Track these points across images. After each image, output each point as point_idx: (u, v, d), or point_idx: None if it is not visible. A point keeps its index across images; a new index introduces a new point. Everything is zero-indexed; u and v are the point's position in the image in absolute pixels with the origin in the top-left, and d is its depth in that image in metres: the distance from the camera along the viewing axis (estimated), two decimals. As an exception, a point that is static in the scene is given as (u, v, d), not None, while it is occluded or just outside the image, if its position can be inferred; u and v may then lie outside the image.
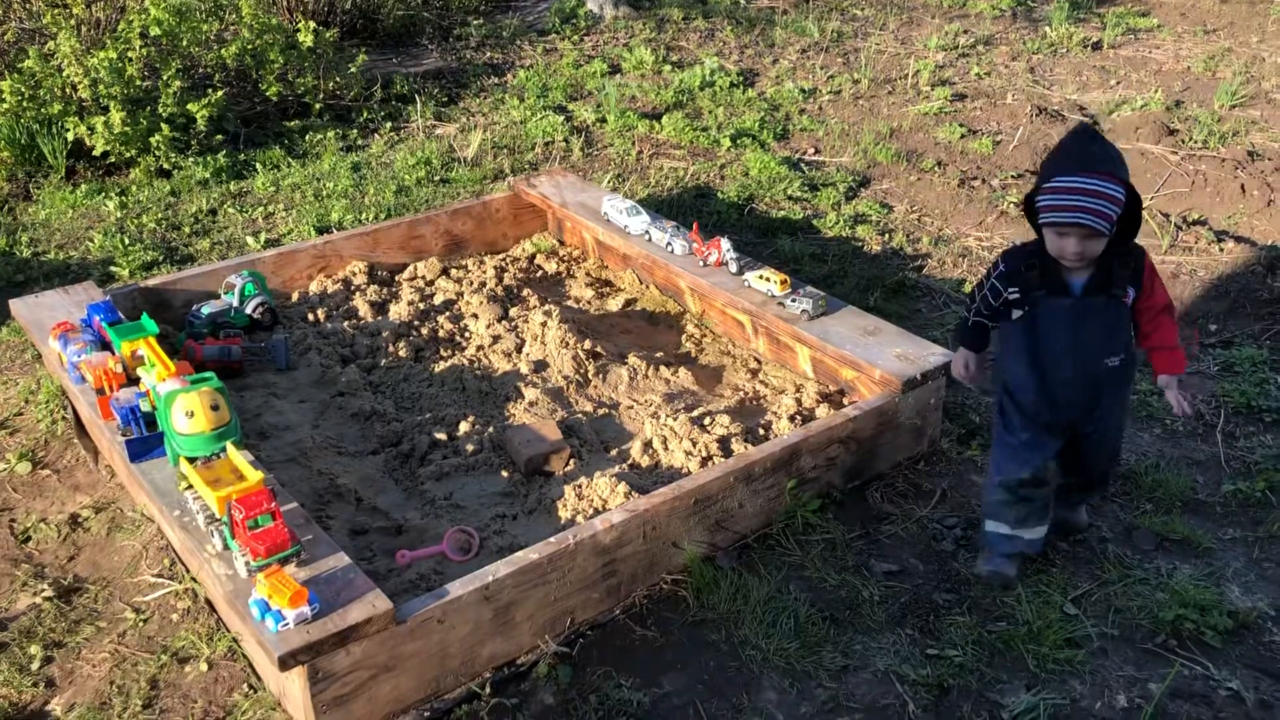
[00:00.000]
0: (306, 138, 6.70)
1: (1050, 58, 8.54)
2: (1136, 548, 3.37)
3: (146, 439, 3.14)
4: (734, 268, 4.20)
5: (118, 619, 3.08)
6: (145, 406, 3.20)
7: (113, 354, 3.48)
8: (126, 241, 5.25)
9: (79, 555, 3.35)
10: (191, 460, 2.98)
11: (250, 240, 5.31)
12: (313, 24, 7.01)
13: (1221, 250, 5.31)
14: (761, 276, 4.08)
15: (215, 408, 3.01)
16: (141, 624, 3.06)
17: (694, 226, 4.42)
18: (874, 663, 2.93)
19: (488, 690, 2.82)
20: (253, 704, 2.79)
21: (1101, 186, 2.70)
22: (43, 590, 3.17)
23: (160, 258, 5.13)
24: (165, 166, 6.16)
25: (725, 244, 4.24)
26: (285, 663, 2.47)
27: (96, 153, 6.02)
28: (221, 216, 5.65)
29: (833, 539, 3.37)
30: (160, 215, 5.59)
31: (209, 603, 3.10)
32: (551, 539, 2.92)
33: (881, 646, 2.98)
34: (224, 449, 2.98)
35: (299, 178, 6.05)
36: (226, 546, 2.77)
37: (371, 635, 2.60)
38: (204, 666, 2.91)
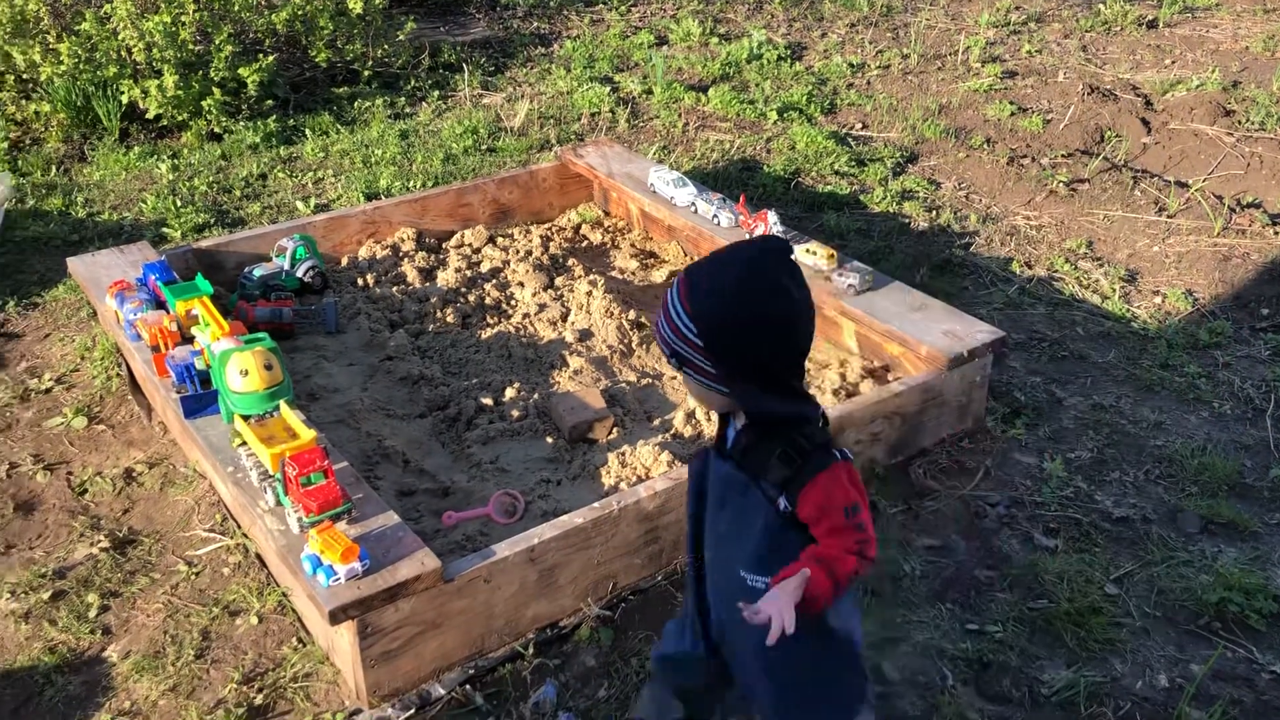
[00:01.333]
0: (355, 105, 6.73)
1: (1104, 35, 8.42)
2: (1181, 530, 3.36)
3: (201, 396, 3.20)
4: (781, 241, 4.19)
5: (171, 571, 3.15)
6: (200, 365, 3.26)
7: (168, 313, 3.54)
8: (178, 203, 5.32)
9: (133, 509, 3.42)
10: (245, 418, 3.03)
11: (300, 205, 5.37)
12: (363, -10, 7.03)
13: (1277, 234, 5.23)
14: (808, 250, 4.07)
15: (269, 367, 3.07)
16: (194, 577, 3.13)
17: (740, 199, 4.42)
18: (914, 636, 2.94)
19: (531, 650, 2.87)
20: (302, 657, 2.86)
21: (672, 302, 1.93)
22: (99, 541, 3.25)
23: (211, 220, 5.20)
24: (216, 130, 6.22)
25: (772, 217, 4.24)
26: (335, 617, 2.53)
27: (150, 115, 6.09)
28: (271, 181, 5.70)
29: (875, 513, 3.37)
30: (211, 178, 5.66)
31: (259, 558, 3.16)
32: (596, 504, 2.95)
33: (922, 620, 3.00)
34: (277, 408, 3.04)
35: (348, 144, 6.09)
36: (279, 503, 2.82)
37: (419, 592, 2.65)
38: (254, 620, 2.97)
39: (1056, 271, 4.94)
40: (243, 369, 3.04)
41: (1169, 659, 2.87)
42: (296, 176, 5.74)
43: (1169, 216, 5.45)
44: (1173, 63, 7.87)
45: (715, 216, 4.39)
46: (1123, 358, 4.28)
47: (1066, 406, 3.96)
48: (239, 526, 3.27)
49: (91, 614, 3.00)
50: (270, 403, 3.05)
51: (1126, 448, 3.73)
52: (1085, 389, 4.07)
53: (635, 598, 3.06)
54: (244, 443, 3.01)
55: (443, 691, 2.76)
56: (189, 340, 3.48)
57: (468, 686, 2.78)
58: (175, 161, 5.85)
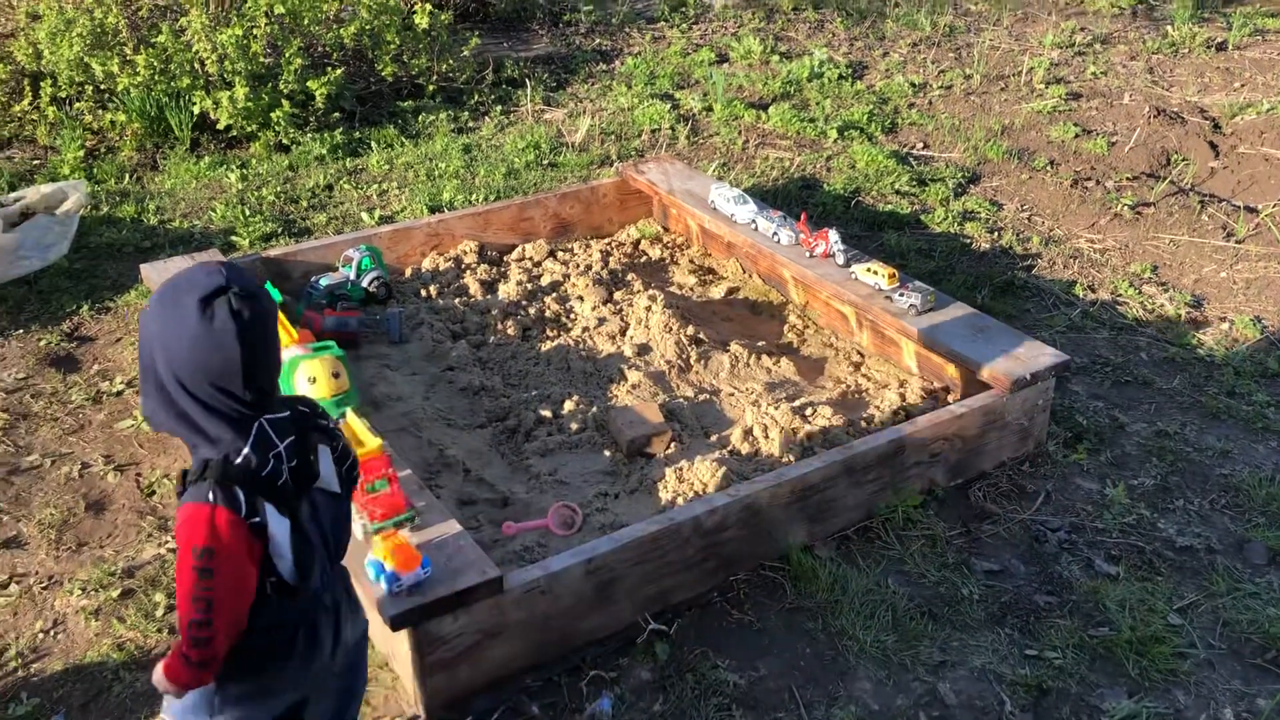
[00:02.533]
0: (420, 118, 6.83)
1: (1171, 58, 8.32)
2: (1248, 561, 3.31)
3: (269, 402, 3.25)
4: (841, 259, 4.20)
5: (236, 573, 3.21)
6: (268, 371, 3.31)
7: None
8: (246, 213, 5.43)
9: (200, 511, 3.48)
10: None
11: (365, 216, 5.45)
12: (428, 6, 7.14)
13: (1348, 262, 5.14)
14: (869, 269, 4.07)
15: (336, 375, 3.12)
16: (258, 579, 3.18)
17: (801, 217, 4.43)
18: (971, 660, 2.92)
19: (587, 662, 2.88)
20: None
21: None
22: (166, 542, 3.32)
23: (279, 229, 5.30)
24: (284, 141, 6.34)
25: (834, 235, 4.24)
26: (397, 624, 2.56)
27: (220, 126, 6.23)
28: (337, 192, 5.80)
29: (933, 535, 3.36)
30: (279, 188, 5.76)
31: (322, 563, 3.21)
32: (654, 519, 2.97)
33: (980, 645, 2.98)
34: (343, 415, 3.09)
35: (412, 157, 6.18)
36: (343, 509, 2.86)
37: (480, 601, 2.67)
38: (316, 623, 3.01)
39: (1120, 295, 4.88)
40: (311, 376, 3.09)
41: (1234, 693, 2.83)
42: (361, 188, 5.83)
43: (1237, 242, 5.37)
44: (1242, 85, 7.76)
45: (775, 234, 4.40)
46: (1188, 384, 4.22)
47: (1130, 432, 3.91)
48: (302, 531, 3.31)
49: (158, 613, 3.07)
50: (337, 410, 3.09)
51: (1191, 475, 3.68)
52: (1149, 415, 4.02)
53: (691, 613, 3.07)
54: (310, 449, 3.06)
55: (498, 701, 2.78)
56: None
57: (524, 696, 2.80)
58: (244, 171, 5.97)
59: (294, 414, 1.99)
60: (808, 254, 4.29)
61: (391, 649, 2.84)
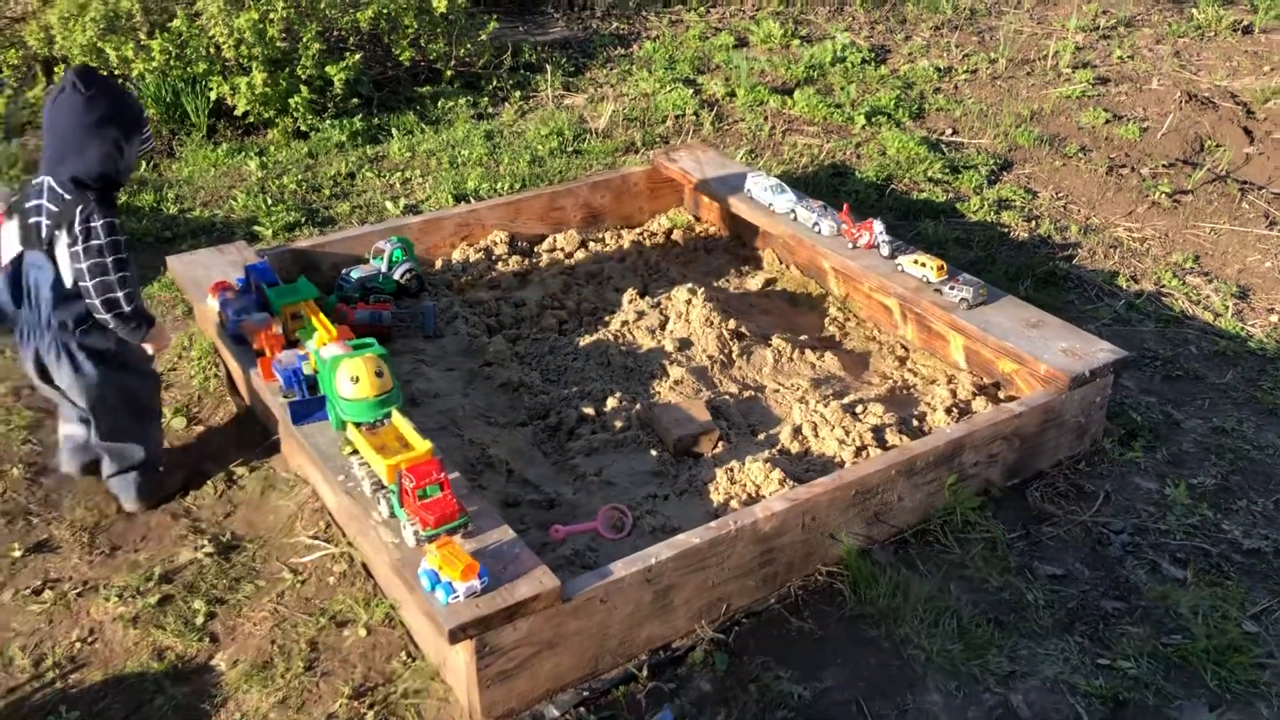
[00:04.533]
0: (439, 104, 6.70)
1: (1197, 41, 8.19)
2: (1318, 564, 3.21)
3: (308, 402, 3.15)
4: (886, 251, 4.08)
5: (276, 579, 3.12)
6: (307, 370, 3.21)
7: (273, 316, 3.50)
8: (269, 202, 5.31)
9: (235, 513, 3.39)
10: (357, 426, 2.98)
11: (389, 205, 5.34)
12: (446, -11, 6.99)
13: (1395, 251, 5.03)
14: (916, 261, 3.96)
15: (379, 374, 3.01)
16: (299, 585, 3.09)
17: (844, 208, 4.31)
18: (1042, 670, 2.83)
19: (645, 673, 2.79)
20: (412, 673, 2.80)
21: None
22: (203, 546, 3.22)
23: (302, 219, 5.18)
24: (303, 128, 6.22)
25: (878, 226, 4.13)
26: (455, 636, 2.46)
27: (238, 112, 6.10)
28: (359, 180, 5.68)
29: (993, 538, 3.26)
30: (300, 176, 5.64)
31: (365, 568, 3.12)
32: (712, 524, 2.87)
33: (1049, 653, 2.88)
34: (388, 415, 2.98)
35: (434, 144, 6.06)
36: (393, 514, 2.76)
37: (538, 612, 2.58)
38: (362, 632, 2.92)
39: (1164, 287, 4.78)
40: (353, 375, 2.98)
41: (1316, 703, 2.74)
42: (384, 176, 5.71)
43: (1280, 231, 5.26)
44: (1271, 70, 7.64)
45: (816, 225, 4.29)
46: (1241, 379, 4.12)
47: (1185, 429, 3.81)
48: (344, 535, 3.22)
49: (198, 620, 2.97)
50: (380, 410, 2.99)
51: (1253, 475, 3.59)
52: (1203, 411, 3.92)
53: (749, 620, 2.97)
54: (355, 451, 2.96)
55: (556, 713, 2.69)
56: (294, 344, 3.44)
57: (582, 709, 2.71)
58: (263, 159, 5.85)
59: None
60: (850, 245, 4.18)
61: (444, 659, 2.74)
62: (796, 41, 7.98)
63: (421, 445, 2.80)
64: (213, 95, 6.13)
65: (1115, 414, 3.84)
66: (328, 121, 6.29)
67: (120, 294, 2.95)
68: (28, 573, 3.15)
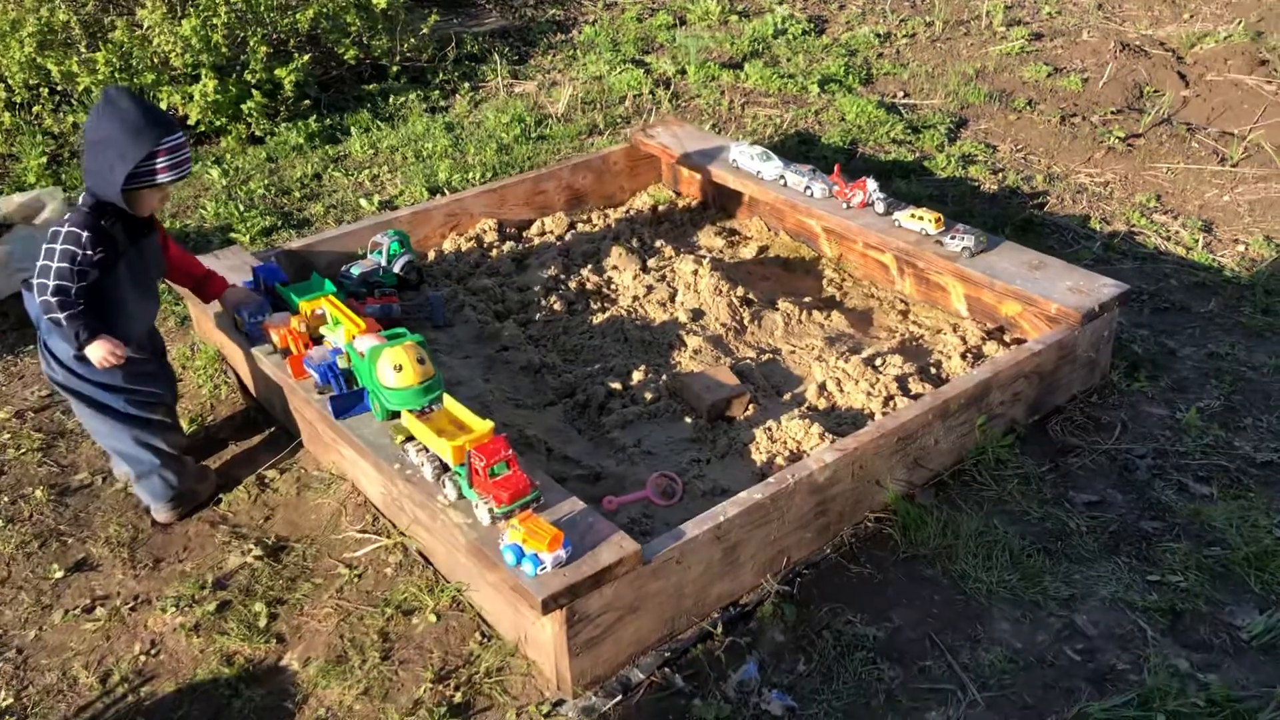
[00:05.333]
0: (389, 100, 6.64)
1: (1118, -7, 8.44)
2: (1328, 470, 3.37)
3: (347, 395, 3.13)
4: (881, 208, 4.17)
5: (332, 575, 3.09)
6: (342, 364, 3.19)
7: (294, 314, 3.47)
8: (240, 208, 5.22)
9: (274, 515, 3.35)
10: (399, 414, 2.98)
11: (364, 203, 5.29)
12: (386, -15, 6.93)
13: (1342, 178, 5.27)
14: (914, 215, 4.05)
15: (421, 361, 3.01)
16: (356, 579, 3.07)
17: (835, 169, 4.39)
18: (1098, 591, 2.94)
19: (720, 629, 2.84)
20: (490, 651, 2.81)
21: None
22: (250, 550, 3.18)
23: (277, 222, 5.11)
24: (257, 133, 6.12)
25: (871, 184, 4.21)
26: (548, 606, 2.48)
27: (191, 121, 5.98)
28: (327, 180, 5.61)
29: (1025, 473, 3.37)
30: (265, 181, 5.56)
31: (423, 555, 3.11)
32: (771, 480, 2.92)
33: (1101, 575, 2.99)
34: (437, 399, 2.98)
35: (395, 140, 6.01)
36: (461, 495, 2.77)
37: (621, 576, 2.61)
38: (431, 618, 2.92)
39: (1135, 226, 4.95)
40: (396, 364, 2.97)
41: (1356, 597, 2.88)
42: (351, 175, 5.66)
43: (1232, 166, 5.47)
44: (1191, 16, 7.91)
45: (808, 188, 4.36)
46: (1223, 306, 4.30)
47: (1181, 357, 3.97)
48: (394, 526, 3.21)
49: (261, 623, 2.94)
50: (426, 396, 2.98)
51: (1253, 394, 3.75)
52: (1195, 339, 4.08)
53: (809, 571, 3.04)
54: (409, 439, 2.95)
55: (641, 676, 2.73)
56: (317, 340, 3.41)
57: (666, 670, 2.74)
58: (223, 167, 5.74)
59: None
60: (844, 205, 4.26)
61: (524, 635, 2.75)
62: (734, 16, 8.06)
63: (482, 425, 2.81)
64: (163, 105, 5.99)
65: (1116, 348, 3.97)
66: (282, 125, 6.19)
67: (49, 293, 2.87)
68: (73, 592, 3.09)
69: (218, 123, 6.10)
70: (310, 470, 3.51)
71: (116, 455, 3.28)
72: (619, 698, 2.67)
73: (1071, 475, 3.38)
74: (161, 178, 2.93)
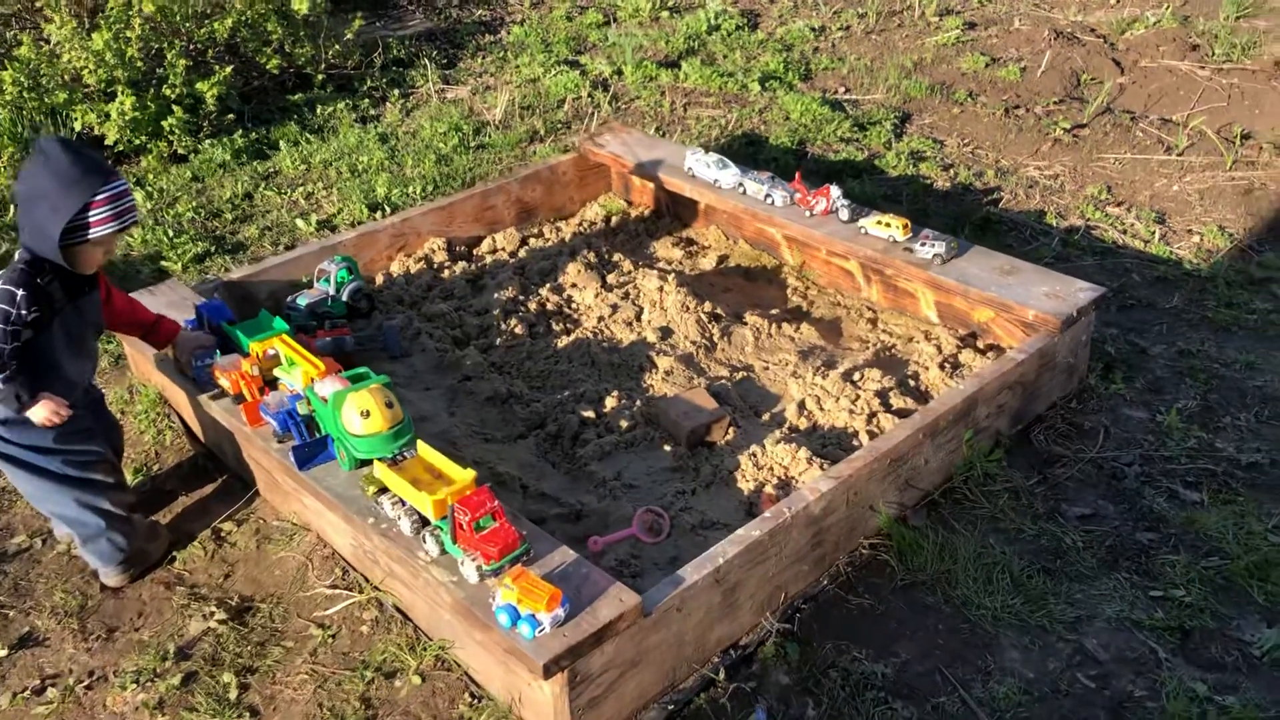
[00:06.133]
0: (317, 110, 6.38)
1: (1045, -20, 8.46)
2: (1311, 469, 3.35)
3: (311, 445, 2.94)
4: (845, 215, 4.07)
5: (303, 637, 2.90)
6: (303, 409, 2.99)
7: (244, 356, 3.25)
8: (170, 234, 4.95)
9: (234, 572, 3.15)
10: (368, 462, 2.81)
11: (300, 223, 5.05)
12: (307, -10, 6.66)
13: (1286, 163, 5.31)
14: (879, 222, 3.96)
15: (390, 405, 2.83)
16: (330, 640, 2.89)
17: (796, 175, 4.28)
18: (1103, 611, 2.87)
19: (721, 675, 2.71)
20: (482, 714, 2.65)
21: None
22: (213, 613, 2.97)
23: (210, 248, 4.86)
24: (180, 151, 5.83)
25: (835, 191, 4.11)
26: (549, 670, 2.33)
27: (109, 141, 5.67)
28: (259, 199, 5.36)
29: (1014, 487, 3.30)
30: (193, 203, 5.28)
31: (400, 611, 2.93)
32: (767, 514, 2.80)
33: (1103, 593, 2.93)
34: (405, 447, 2.80)
35: (327, 154, 5.76)
36: (444, 552, 2.60)
37: (623, 631, 2.46)
38: (415, 679, 2.75)
39: (1090, 220, 4.93)
40: (363, 410, 2.80)
41: (1359, 603, 2.85)
42: (284, 193, 5.41)
43: (1178, 155, 5.48)
44: (1118, 2, 7.95)
45: (768, 196, 4.25)
46: (1187, 301, 4.28)
47: (1153, 355, 3.93)
48: (367, 579, 3.02)
49: (231, 695, 2.74)
50: (396, 442, 2.81)
51: (1227, 391, 3.73)
52: (1164, 336, 4.05)
53: (807, 606, 2.92)
54: (382, 491, 2.77)
55: (646, 732, 2.59)
56: (270, 383, 3.20)
57: (671, 723, 2.61)
58: (145, 188, 5.45)
59: None
60: (807, 213, 4.15)
61: (519, 694, 2.59)
62: (666, 13, 7.92)
63: (463, 475, 2.64)
64: (78, 125, 5.68)
65: (1090, 350, 3.92)
66: (206, 141, 5.91)
67: None
68: (19, 671, 2.85)
69: (136, 141, 5.80)
70: (269, 521, 3.31)
71: (57, 519, 3.04)
72: (624, 757, 2.52)
73: (1060, 487, 3.31)
74: (99, 230, 2.69)
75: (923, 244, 3.83)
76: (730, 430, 3.43)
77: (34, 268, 2.70)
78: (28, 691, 2.79)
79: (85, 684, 2.80)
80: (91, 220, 2.67)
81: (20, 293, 2.66)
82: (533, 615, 2.37)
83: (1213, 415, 3.61)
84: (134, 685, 2.77)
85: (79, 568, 3.16)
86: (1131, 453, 3.43)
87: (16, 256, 2.71)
